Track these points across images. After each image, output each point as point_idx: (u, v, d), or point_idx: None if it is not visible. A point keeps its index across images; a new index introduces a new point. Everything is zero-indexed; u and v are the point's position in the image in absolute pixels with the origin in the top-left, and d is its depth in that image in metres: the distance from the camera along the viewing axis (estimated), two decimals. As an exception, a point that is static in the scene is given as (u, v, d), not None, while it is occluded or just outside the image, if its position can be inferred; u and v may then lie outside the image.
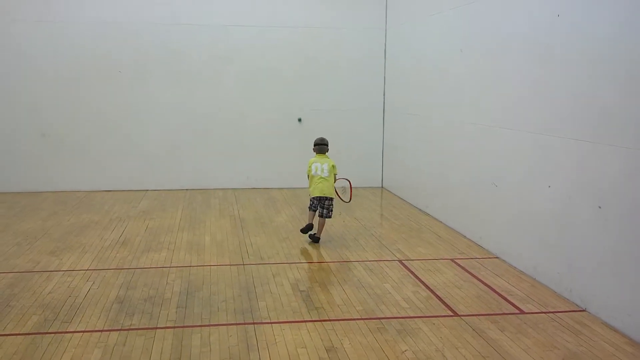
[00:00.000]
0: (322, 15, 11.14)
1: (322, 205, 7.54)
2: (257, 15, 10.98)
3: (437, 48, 8.86)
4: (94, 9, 10.53)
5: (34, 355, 4.52)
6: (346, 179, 7.96)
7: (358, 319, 5.23)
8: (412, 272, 6.50)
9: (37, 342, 4.73)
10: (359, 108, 11.42)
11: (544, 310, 5.47)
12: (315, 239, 7.58)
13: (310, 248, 7.37)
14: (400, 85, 10.66)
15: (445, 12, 8.55)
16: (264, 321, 5.17)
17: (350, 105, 11.38)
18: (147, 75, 10.83)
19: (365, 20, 11.27)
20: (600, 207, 5.21)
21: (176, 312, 5.36)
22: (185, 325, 5.09)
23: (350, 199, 8.07)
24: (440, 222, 8.70)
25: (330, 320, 5.21)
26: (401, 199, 10.39)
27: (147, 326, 5.06)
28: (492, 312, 5.42)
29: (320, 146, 7.68)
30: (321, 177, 7.47)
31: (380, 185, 11.60)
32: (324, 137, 7.82)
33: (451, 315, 5.35)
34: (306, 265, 6.71)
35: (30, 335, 4.86)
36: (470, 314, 5.38)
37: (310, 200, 7.63)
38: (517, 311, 5.45)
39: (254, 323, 5.12)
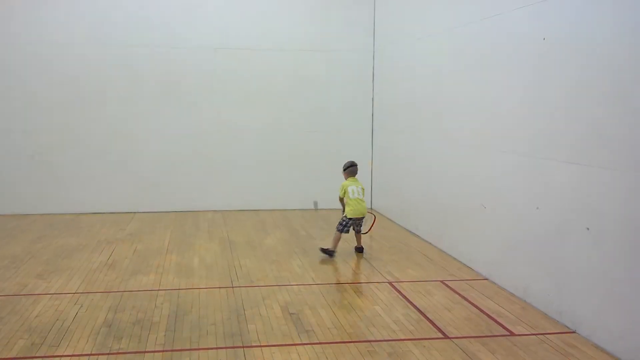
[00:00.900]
0: (312, 38, 11.22)
1: (357, 224, 8.01)
2: (248, 38, 11.03)
3: (426, 70, 8.94)
4: (86, 31, 10.55)
5: (21, 380, 4.47)
6: (372, 214, 8.32)
7: (348, 342, 5.21)
8: (402, 294, 6.49)
9: (24, 367, 4.67)
10: (348, 129, 11.44)
11: (534, 332, 5.47)
12: (359, 249, 8.10)
13: (300, 271, 7.35)
14: (389, 106, 10.72)
15: (433, 35, 8.63)
16: (253, 344, 5.13)
17: (339, 126, 11.42)
18: (137, 97, 10.82)
19: (354, 42, 11.35)
20: (588, 229, 5.24)
21: (165, 335, 5.32)
22: (174, 349, 5.04)
23: (368, 231, 8.29)
24: (430, 243, 8.71)
25: (320, 343, 5.18)
26: (390, 220, 10.40)
27: (135, 350, 5.01)
28: (482, 335, 5.41)
29: (352, 168, 8.14)
30: (359, 199, 7.89)
31: (370, 207, 11.60)
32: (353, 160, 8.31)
33: (442, 338, 5.34)
34: (296, 288, 6.69)
35: (16, 360, 4.81)
36: (461, 336, 5.37)
37: (345, 220, 7.89)
38: (507, 333, 5.45)
39: (243, 347, 5.09)
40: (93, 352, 4.95)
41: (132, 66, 10.74)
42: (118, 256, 7.93)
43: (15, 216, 10.43)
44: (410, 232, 9.51)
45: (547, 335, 5.38)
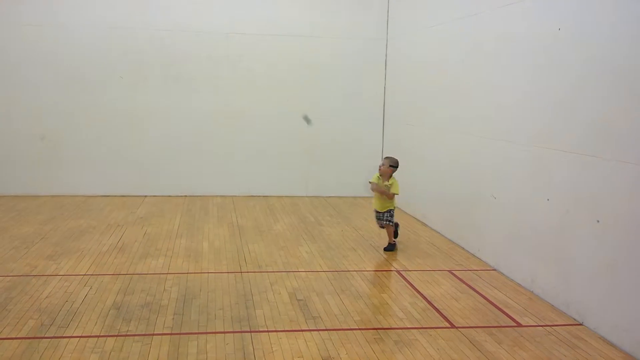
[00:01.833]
0: (323, 24, 11.18)
1: (379, 218, 7.80)
2: (258, 23, 11.00)
3: (438, 59, 8.89)
4: (94, 13, 10.55)
5: (30, 359, 4.52)
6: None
7: (355, 329, 5.23)
8: (409, 283, 6.50)
9: (34, 347, 4.72)
10: (359, 118, 11.43)
11: (541, 323, 5.47)
12: (391, 247, 7.75)
13: (308, 257, 7.37)
14: (400, 95, 10.68)
15: (446, 23, 8.58)
16: (260, 329, 5.16)
17: (350, 114, 11.39)
18: (147, 81, 10.84)
19: (367, 30, 11.30)
20: (598, 221, 5.22)
21: (173, 318, 5.36)
22: (182, 332, 5.08)
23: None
24: (438, 233, 8.71)
25: (327, 329, 5.20)
26: (399, 208, 10.38)
27: (143, 332, 5.05)
28: (489, 325, 5.42)
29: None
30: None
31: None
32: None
33: (448, 327, 5.35)
34: (304, 274, 6.71)
35: (26, 340, 4.85)
36: (468, 325, 5.38)
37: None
38: (514, 324, 5.45)
39: (250, 331, 5.12)
40: (101, 334, 4.99)
41: (144, 50, 10.73)
42: (128, 239, 7.98)
43: (25, 197, 10.49)
44: (418, 220, 9.51)
45: (554, 327, 5.38)
